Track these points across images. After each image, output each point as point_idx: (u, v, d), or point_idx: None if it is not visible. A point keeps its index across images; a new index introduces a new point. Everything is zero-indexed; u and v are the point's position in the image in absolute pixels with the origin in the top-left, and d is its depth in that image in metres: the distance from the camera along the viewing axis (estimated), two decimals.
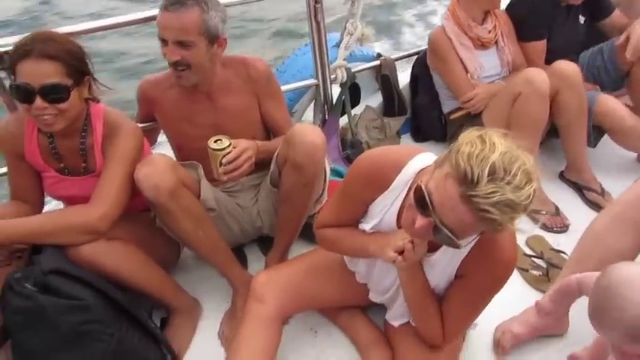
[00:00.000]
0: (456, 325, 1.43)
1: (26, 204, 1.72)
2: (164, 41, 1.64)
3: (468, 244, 1.21)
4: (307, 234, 1.90)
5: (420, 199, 1.08)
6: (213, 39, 1.68)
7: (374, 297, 1.61)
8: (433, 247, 1.31)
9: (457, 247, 1.12)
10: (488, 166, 0.96)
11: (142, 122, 1.92)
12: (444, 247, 1.30)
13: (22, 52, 1.44)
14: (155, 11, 1.69)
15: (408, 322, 1.53)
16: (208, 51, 1.68)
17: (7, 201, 1.75)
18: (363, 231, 1.40)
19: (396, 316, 1.56)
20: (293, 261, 1.73)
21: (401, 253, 1.23)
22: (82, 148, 1.65)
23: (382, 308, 1.63)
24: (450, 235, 1.06)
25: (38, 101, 1.45)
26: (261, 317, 1.52)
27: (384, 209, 1.34)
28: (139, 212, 1.75)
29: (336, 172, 2.17)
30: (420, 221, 1.09)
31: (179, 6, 1.59)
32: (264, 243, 2.05)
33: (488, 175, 0.96)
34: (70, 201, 1.76)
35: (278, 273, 1.64)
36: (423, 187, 1.07)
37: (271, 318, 1.52)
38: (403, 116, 2.64)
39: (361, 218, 1.42)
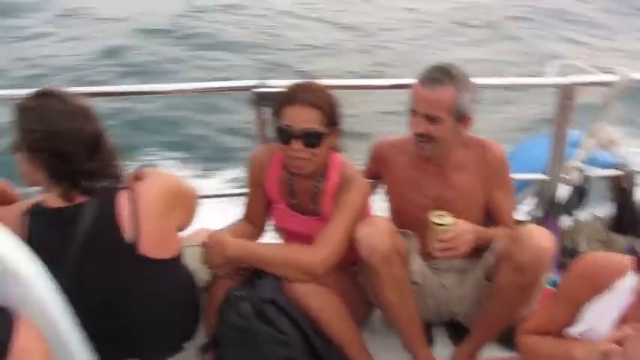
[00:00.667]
0: None
1: (252, 225, 1.91)
2: (413, 111, 1.71)
3: None
4: (508, 338, 1.76)
5: None
6: (461, 118, 1.70)
7: None
8: None
9: None
10: None
11: (367, 179, 2.00)
12: None
13: (290, 98, 1.63)
14: (410, 80, 1.77)
15: None
16: (453, 128, 1.70)
17: (239, 219, 1.96)
18: (569, 337, 1.27)
19: None
20: None
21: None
22: (314, 191, 1.78)
23: None
24: None
25: (295, 144, 1.60)
26: None
27: (599, 314, 1.22)
28: (345, 264, 1.81)
29: (552, 282, 2.00)
30: None
31: (436, 84, 1.64)
32: (455, 329, 1.96)
33: None
34: (289, 234, 1.90)
35: None
36: None
37: None
38: (634, 237, 2.35)
39: (569, 325, 1.30)
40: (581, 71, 2.20)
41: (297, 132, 1.60)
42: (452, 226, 1.58)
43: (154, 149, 5.93)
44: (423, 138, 1.71)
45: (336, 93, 1.73)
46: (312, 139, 1.62)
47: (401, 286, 1.67)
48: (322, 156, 1.68)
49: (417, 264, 1.78)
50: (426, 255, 1.74)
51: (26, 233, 1.48)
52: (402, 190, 1.90)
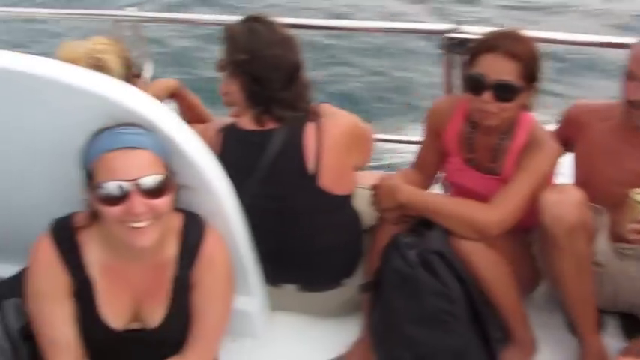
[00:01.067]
0: None
1: (422, 175, 1.87)
2: (632, 75, 1.49)
3: None
4: None
5: None
6: None
7: None
8: None
9: None
10: None
11: None
12: None
13: (489, 45, 1.52)
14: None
15: None
16: None
17: (409, 168, 1.94)
18: None
19: None
20: None
21: None
22: (496, 148, 1.67)
23: None
24: None
25: (486, 95, 1.51)
26: None
27: None
28: (518, 229, 1.70)
29: None
30: None
31: None
32: (631, 322, 1.77)
33: None
34: (460, 191, 1.83)
35: None
36: None
37: None
38: None
39: None
40: None
41: (490, 82, 1.50)
42: None
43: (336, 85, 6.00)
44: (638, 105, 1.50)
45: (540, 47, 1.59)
46: (505, 92, 1.51)
47: (581, 264, 1.53)
48: (512, 112, 1.57)
49: (603, 244, 1.61)
50: (615, 236, 1.57)
51: (219, 150, 1.62)
52: (596, 161, 1.70)
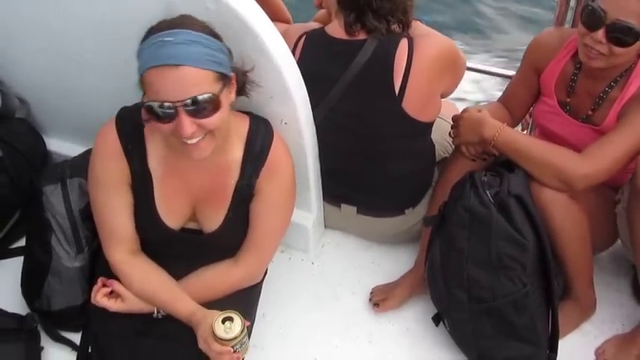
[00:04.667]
0: None
1: (508, 112, 1.73)
2: None
3: None
4: None
5: None
6: None
7: None
8: None
9: None
10: None
11: None
12: None
13: None
14: None
15: None
16: None
17: (496, 102, 1.79)
18: None
19: None
20: None
21: None
22: (601, 96, 1.51)
23: None
24: None
25: (600, 33, 1.34)
26: None
27: None
28: (605, 186, 1.57)
29: None
30: None
31: None
32: None
33: None
34: (547, 134, 1.68)
35: None
36: None
37: None
38: None
39: None
40: None
41: (609, 21, 1.32)
42: None
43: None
44: None
45: None
46: (623, 34, 1.33)
47: None
48: (625, 58, 1.39)
49: None
50: None
51: (299, 56, 1.52)
52: None
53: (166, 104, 1.07)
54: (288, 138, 1.40)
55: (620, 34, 1.33)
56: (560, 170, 1.39)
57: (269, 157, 1.32)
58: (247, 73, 1.25)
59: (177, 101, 1.06)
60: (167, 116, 1.09)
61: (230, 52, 1.18)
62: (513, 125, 1.74)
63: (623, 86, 1.47)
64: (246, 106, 1.36)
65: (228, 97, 1.17)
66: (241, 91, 1.25)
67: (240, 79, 1.22)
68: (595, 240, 1.55)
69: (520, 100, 1.72)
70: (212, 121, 1.12)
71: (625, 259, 1.69)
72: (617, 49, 1.36)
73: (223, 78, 1.13)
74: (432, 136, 1.67)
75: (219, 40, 1.15)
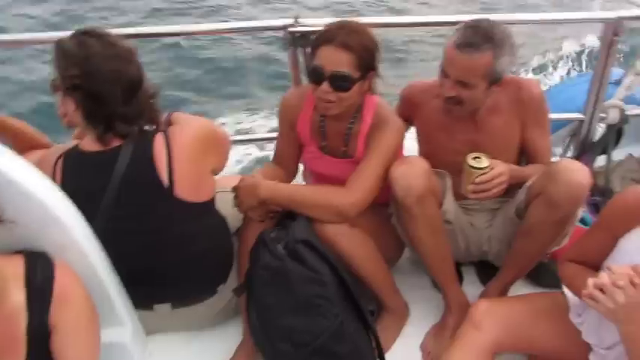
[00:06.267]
0: None
1: (283, 169, 1.90)
2: (445, 73, 1.63)
3: None
4: (537, 275, 1.77)
5: None
6: (496, 81, 1.62)
7: (594, 359, 1.44)
8: None
9: None
10: None
11: None
12: None
13: (326, 37, 1.56)
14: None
15: None
16: (485, 90, 1.64)
17: (268, 163, 1.95)
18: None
19: None
20: (518, 298, 1.65)
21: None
22: (347, 133, 1.75)
23: None
24: None
25: (324, 85, 1.56)
26: (475, 345, 1.46)
27: (636, 247, 1.24)
28: (377, 205, 1.80)
29: (581, 219, 1.97)
30: None
31: (473, 50, 1.54)
32: (484, 269, 1.97)
33: None
34: (320, 178, 1.89)
35: (501, 305, 1.57)
36: None
37: (484, 349, 1.46)
38: None
39: (606, 256, 1.33)
40: (629, 3, 2.08)
41: (327, 73, 1.55)
42: (487, 169, 1.55)
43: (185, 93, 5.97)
44: (453, 101, 1.65)
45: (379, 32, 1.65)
46: (340, 82, 1.56)
47: (434, 226, 1.66)
48: (351, 100, 1.62)
49: (450, 203, 1.76)
50: (458, 196, 1.72)
51: (60, 178, 1.49)
52: (434, 135, 1.85)
53: None
54: (72, 262, 1.35)
55: (339, 82, 1.57)
56: (331, 205, 1.57)
57: (54, 289, 1.25)
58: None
59: None
60: None
61: None
62: (290, 179, 1.91)
63: (360, 120, 1.72)
64: (20, 244, 1.30)
65: None
66: None
67: None
68: (386, 252, 1.76)
69: (288, 156, 1.89)
70: None
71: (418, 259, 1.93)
72: (342, 95, 1.59)
73: None
74: (223, 209, 1.74)
75: None
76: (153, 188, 1.47)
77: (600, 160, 2.33)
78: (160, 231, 1.54)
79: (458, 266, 1.98)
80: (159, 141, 1.49)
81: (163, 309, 1.67)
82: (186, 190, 1.50)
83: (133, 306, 1.65)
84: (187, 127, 1.55)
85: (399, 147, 1.70)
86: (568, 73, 6.92)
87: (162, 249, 1.58)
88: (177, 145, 1.49)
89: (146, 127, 1.52)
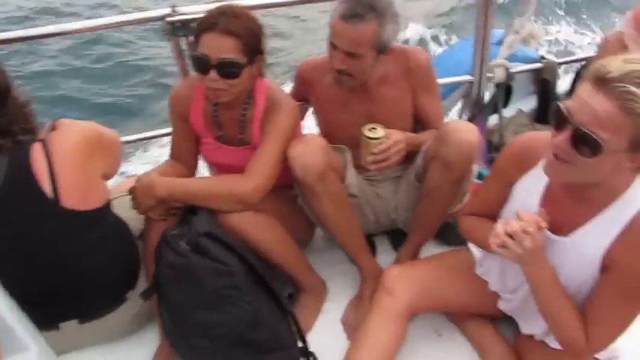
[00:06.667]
0: (604, 330, 1.24)
1: (182, 164, 1.84)
2: (333, 45, 1.64)
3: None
4: (444, 234, 1.84)
5: (556, 113, 1.08)
6: (383, 50, 1.66)
7: (503, 305, 1.54)
8: (569, 226, 1.23)
9: (601, 149, 1.02)
10: (622, 58, 1.03)
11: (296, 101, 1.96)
12: (582, 229, 1.21)
13: (208, 24, 1.51)
14: None
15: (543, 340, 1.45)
16: (374, 60, 1.67)
17: (166, 160, 1.89)
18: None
19: (530, 328, 1.48)
20: (427, 260, 1.72)
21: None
22: (241, 119, 1.72)
23: (513, 323, 1.55)
24: (589, 133, 1.01)
25: (212, 74, 1.52)
26: (389, 310, 1.51)
27: (527, 192, 1.31)
28: (282, 188, 1.79)
29: (478, 175, 2.07)
30: (558, 137, 1.07)
31: (358, 20, 1.57)
32: (396, 236, 2.02)
33: (620, 61, 1.01)
34: (221, 168, 1.86)
35: (411, 269, 1.63)
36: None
37: (399, 313, 1.52)
38: None
39: (503, 205, 1.39)
40: None
41: (213, 61, 1.51)
42: (384, 138, 1.58)
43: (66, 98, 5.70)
44: (344, 73, 1.67)
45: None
46: (228, 69, 1.52)
47: (339, 201, 1.68)
48: (241, 86, 1.59)
49: (353, 177, 1.79)
50: (361, 168, 1.75)
51: None
52: (330, 110, 1.87)
53: None
54: None
55: (227, 69, 1.52)
56: (231, 194, 1.54)
57: None
58: None
59: None
60: None
61: None
62: (191, 174, 1.86)
63: (253, 105, 1.70)
64: None
65: None
66: None
67: None
68: (297, 234, 1.77)
69: (185, 151, 1.84)
70: None
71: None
72: (231, 82, 1.55)
73: None
74: (123, 214, 1.67)
75: None
76: (35, 201, 1.38)
77: (494, 119, 2.45)
78: (51, 245, 1.45)
79: (370, 237, 2.03)
80: (36, 150, 1.40)
81: (70, 326, 1.59)
82: (74, 199, 1.42)
83: (37, 328, 1.56)
84: (67, 132, 1.46)
85: (295, 127, 1.70)
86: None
87: (58, 264, 1.49)
88: (57, 153, 1.40)
89: (21, 138, 1.42)
